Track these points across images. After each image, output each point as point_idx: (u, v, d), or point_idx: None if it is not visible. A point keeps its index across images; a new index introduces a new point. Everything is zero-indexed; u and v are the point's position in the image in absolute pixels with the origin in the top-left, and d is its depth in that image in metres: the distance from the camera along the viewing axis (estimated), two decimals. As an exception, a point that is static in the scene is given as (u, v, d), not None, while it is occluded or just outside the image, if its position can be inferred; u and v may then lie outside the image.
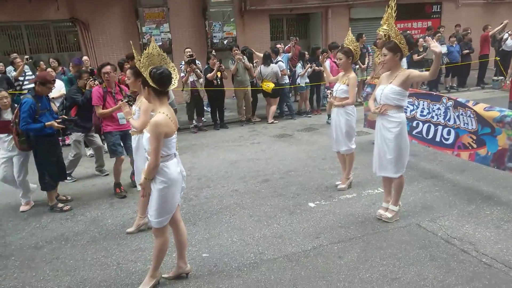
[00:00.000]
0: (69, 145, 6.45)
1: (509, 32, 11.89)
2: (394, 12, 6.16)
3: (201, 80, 8.72)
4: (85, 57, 8.62)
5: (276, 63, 9.37)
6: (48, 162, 4.83)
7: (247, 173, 5.99)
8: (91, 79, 5.87)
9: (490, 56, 12.38)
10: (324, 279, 3.22)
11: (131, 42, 4.33)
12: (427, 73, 3.78)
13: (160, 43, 10.82)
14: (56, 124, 4.70)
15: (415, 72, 3.90)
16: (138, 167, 4.03)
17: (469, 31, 12.32)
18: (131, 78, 4.02)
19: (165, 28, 10.95)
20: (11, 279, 3.52)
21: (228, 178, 5.80)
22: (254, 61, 9.73)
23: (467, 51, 11.73)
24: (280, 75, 9.25)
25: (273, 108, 9.63)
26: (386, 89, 3.89)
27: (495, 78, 11.85)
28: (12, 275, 3.59)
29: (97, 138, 6.26)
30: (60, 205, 5.00)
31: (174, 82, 2.95)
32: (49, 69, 7.92)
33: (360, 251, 3.61)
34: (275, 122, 9.52)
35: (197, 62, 8.68)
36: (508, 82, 7.97)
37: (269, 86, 9.15)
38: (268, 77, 9.20)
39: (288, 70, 10.02)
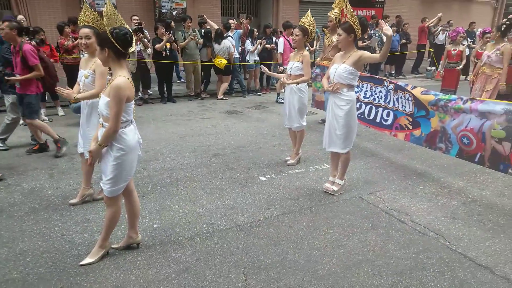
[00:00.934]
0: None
1: (441, 28, 12.84)
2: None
3: (149, 50, 8.40)
4: (20, 16, 7.87)
5: (226, 38, 9.27)
6: None
7: (198, 147, 5.95)
8: (27, 39, 5.41)
9: (426, 47, 13.30)
10: (275, 246, 3.36)
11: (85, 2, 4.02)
12: (377, 54, 3.99)
13: (103, 9, 10.15)
14: None
15: (367, 53, 4.08)
16: (87, 135, 3.83)
17: (408, 24, 13.06)
18: (91, 37, 3.70)
19: (109, -8, 10.28)
20: None
21: (177, 152, 5.73)
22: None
23: (404, 41, 12.47)
24: (232, 50, 9.18)
25: (225, 85, 9.58)
26: (340, 68, 4.05)
27: (429, 68, 12.77)
28: None
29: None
30: None
31: (133, 44, 2.83)
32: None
33: (309, 221, 3.80)
34: (224, 98, 9.49)
35: (145, 31, 8.33)
36: (441, 72, 8.64)
37: (221, 62, 9.06)
38: (221, 53, 9.10)
39: (240, 47, 9.97)
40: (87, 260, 3.07)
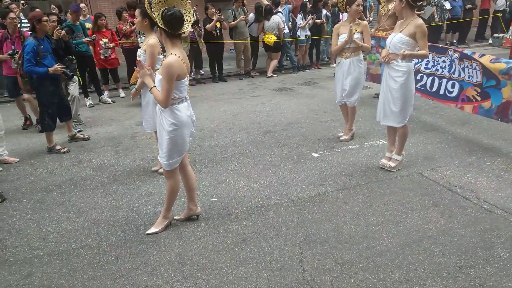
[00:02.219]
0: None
1: None
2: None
3: (201, 31, 8.51)
4: (82, 4, 8.30)
5: (276, 13, 9.12)
6: (49, 104, 4.97)
7: (249, 124, 6.00)
8: (58, 27, 5.63)
9: (490, 12, 12.18)
10: (331, 221, 3.33)
11: None
12: (424, 50, 3.80)
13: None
14: (59, 68, 4.79)
15: (423, 29, 3.75)
16: (151, 114, 4.03)
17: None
18: (138, 17, 3.90)
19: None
20: (25, 220, 3.59)
21: (230, 129, 5.81)
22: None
23: (469, 6, 11.51)
24: (282, 26, 9.03)
25: (274, 62, 9.49)
26: (395, 38, 3.85)
27: (496, 35, 11.72)
28: (25, 216, 3.66)
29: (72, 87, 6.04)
30: (58, 147, 5.15)
31: (187, 26, 2.87)
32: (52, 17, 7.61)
33: (365, 197, 3.71)
34: (274, 76, 9.42)
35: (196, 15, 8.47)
36: (510, 37, 7.91)
37: (270, 39, 8.96)
38: (270, 30, 8.99)
39: (290, 22, 9.77)
40: (152, 229, 3.26)
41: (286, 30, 9.40)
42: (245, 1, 9.32)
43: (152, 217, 3.48)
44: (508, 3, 11.73)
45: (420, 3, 3.79)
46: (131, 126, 6.22)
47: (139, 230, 3.32)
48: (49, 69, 4.73)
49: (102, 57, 7.46)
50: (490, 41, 11.92)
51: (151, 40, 3.90)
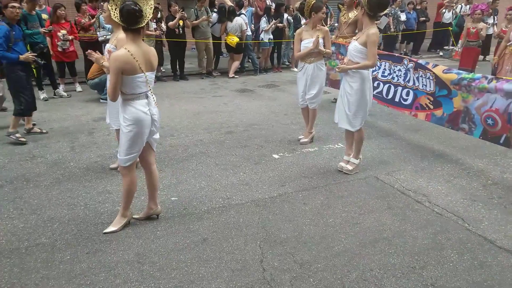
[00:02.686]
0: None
1: (447, 4, 12.47)
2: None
3: (163, 27, 8.35)
4: None
5: (239, 15, 9.14)
6: (23, 89, 4.91)
7: (211, 124, 5.96)
8: None
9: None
10: (290, 222, 3.38)
11: None
12: (368, 61, 3.93)
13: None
14: (30, 56, 4.79)
15: (373, 39, 3.85)
16: (115, 110, 3.92)
17: (426, 1, 12.68)
18: (107, 12, 3.78)
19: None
20: (-33, 218, 3.34)
21: (191, 129, 5.74)
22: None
23: (423, 18, 12.14)
24: (245, 27, 9.07)
25: (236, 63, 9.50)
26: (351, 45, 4.00)
27: (447, 47, 12.45)
28: (-32, 213, 3.41)
29: None
30: (18, 135, 4.97)
31: (142, 22, 2.76)
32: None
33: (323, 199, 3.80)
34: (235, 77, 9.43)
35: (161, 11, 8.31)
36: (459, 51, 8.45)
37: (233, 40, 8.96)
38: (233, 31, 8.99)
39: (252, 25, 9.83)
40: (110, 228, 3.16)
41: (249, 33, 9.44)
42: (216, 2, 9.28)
43: (110, 215, 3.36)
44: (453, 16, 12.49)
45: (378, 14, 3.91)
46: (88, 121, 5.98)
47: (96, 228, 3.20)
48: (20, 56, 4.70)
49: (59, 49, 7.12)
50: (441, 53, 12.65)
51: (121, 34, 3.76)
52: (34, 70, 6.88)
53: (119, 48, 3.66)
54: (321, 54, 4.94)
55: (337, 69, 4.19)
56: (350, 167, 4.37)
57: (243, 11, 9.39)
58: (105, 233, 3.12)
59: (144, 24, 2.82)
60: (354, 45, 3.98)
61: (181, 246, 3.00)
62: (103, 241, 3.04)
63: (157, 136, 3.16)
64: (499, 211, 3.65)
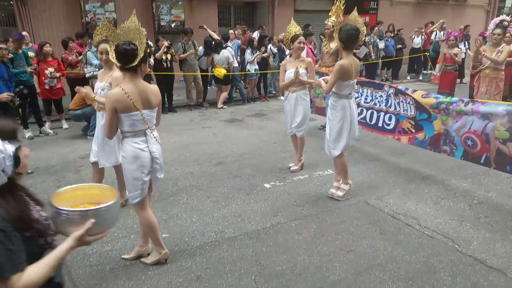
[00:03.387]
0: None
1: (416, 30, 13.03)
2: (343, 5, 6.49)
3: (151, 61, 8.48)
4: (24, 33, 7.97)
5: (225, 48, 9.35)
6: None
7: (201, 156, 5.97)
8: None
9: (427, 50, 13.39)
10: (284, 253, 3.37)
11: (105, 20, 4.07)
12: (326, 85, 4.13)
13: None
14: (6, 96, 4.95)
15: (335, 68, 4.04)
16: (104, 145, 3.98)
17: (402, 29, 13.15)
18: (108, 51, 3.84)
19: (110, 7, 10.38)
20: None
21: (181, 161, 5.74)
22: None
23: (400, 46, 12.60)
24: (231, 60, 9.25)
25: (224, 94, 9.63)
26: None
27: (425, 72, 12.87)
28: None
29: None
30: None
31: (135, 61, 2.80)
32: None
33: (316, 227, 3.81)
34: (224, 107, 9.53)
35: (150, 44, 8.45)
36: (437, 74, 8.77)
37: (220, 72, 9.13)
38: (220, 63, 9.18)
39: (238, 56, 10.05)
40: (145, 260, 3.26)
41: (236, 64, 9.64)
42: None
43: (99, 257, 3.30)
44: (422, 42, 12.98)
45: (351, 46, 4.08)
46: (74, 159, 5.93)
47: (85, 271, 3.13)
48: None
49: (47, 87, 7.12)
50: (420, 77, 13.05)
51: (116, 72, 3.83)
52: (19, 109, 6.89)
53: (114, 86, 3.74)
54: (303, 84, 5.06)
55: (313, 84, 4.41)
56: (340, 193, 4.42)
57: (229, 43, 9.61)
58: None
59: (136, 63, 2.83)
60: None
61: (173, 286, 2.95)
62: (91, 285, 2.96)
63: (160, 175, 3.11)
64: (487, 230, 3.71)
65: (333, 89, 4.15)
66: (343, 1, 6.40)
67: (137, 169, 2.93)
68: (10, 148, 1.43)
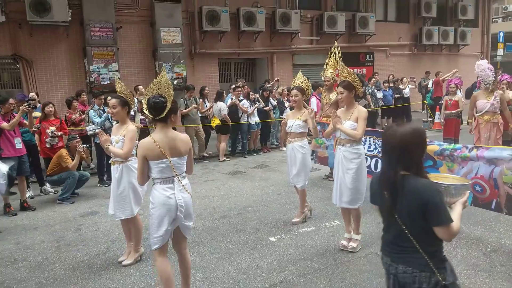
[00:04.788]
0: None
1: (410, 80, 13.38)
2: (340, 58, 6.70)
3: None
4: (32, 94, 8.26)
5: (240, 101, 9.60)
6: None
7: (204, 210, 5.86)
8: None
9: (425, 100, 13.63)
10: (294, 312, 3.17)
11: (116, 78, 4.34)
12: (359, 131, 4.12)
13: (108, 82, 10.59)
14: None
15: (363, 116, 4.13)
16: (119, 197, 4.03)
17: (399, 79, 13.46)
18: (117, 107, 3.99)
19: (113, 67, 10.78)
20: None
21: (184, 216, 5.62)
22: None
23: (398, 95, 12.84)
24: (225, 112, 9.38)
25: (223, 145, 9.70)
26: (346, 124, 4.13)
27: (425, 119, 13.01)
28: None
29: None
30: None
31: (164, 112, 3.00)
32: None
33: (326, 283, 3.63)
34: (226, 160, 9.54)
35: None
36: (441, 121, 8.93)
37: (214, 121, 9.38)
38: (215, 114, 9.45)
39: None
40: None
41: (245, 118, 9.80)
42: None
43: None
44: (409, 91, 13.28)
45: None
46: (75, 217, 5.82)
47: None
48: None
49: (48, 145, 7.17)
50: (422, 125, 13.17)
51: (131, 126, 4.09)
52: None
53: (128, 138, 3.94)
54: (300, 135, 5.02)
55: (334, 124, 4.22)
56: (354, 244, 4.27)
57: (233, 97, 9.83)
58: None
59: (165, 114, 3.01)
60: (351, 124, 4.13)
61: None
62: None
63: (188, 223, 3.20)
64: (504, 279, 3.53)
65: (354, 136, 4.11)
66: (339, 54, 6.61)
67: (162, 215, 3.04)
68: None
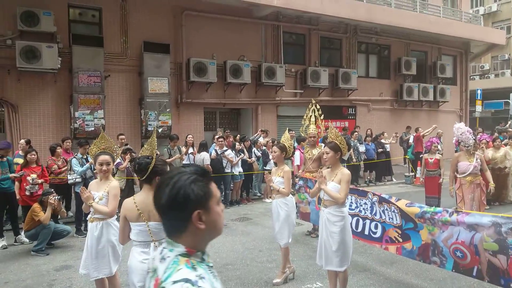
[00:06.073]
0: None
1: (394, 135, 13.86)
2: (320, 115, 6.87)
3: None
4: (22, 141, 8.27)
5: (225, 151, 9.67)
6: None
7: (183, 267, 5.68)
8: None
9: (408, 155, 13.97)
10: None
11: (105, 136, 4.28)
12: (340, 196, 4.18)
13: (93, 128, 10.58)
14: None
15: (346, 179, 4.22)
16: (100, 254, 3.88)
17: (382, 134, 13.84)
18: (110, 163, 3.99)
19: (99, 114, 10.82)
20: None
21: (162, 274, 5.43)
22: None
23: (381, 149, 13.14)
24: (207, 162, 9.39)
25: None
26: (329, 185, 4.19)
27: (407, 174, 13.24)
28: None
29: None
30: None
31: (146, 174, 3.04)
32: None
33: None
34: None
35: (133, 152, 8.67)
36: (421, 179, 9.07)
37: None
38: (198, 162, 9.42)
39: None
40: None
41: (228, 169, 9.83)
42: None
43: None
44: (414, 144, 13.66)
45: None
46: (48, 271, 5.56)
47: None
48: None
49: (27, 193, 6.99)
50: (404, 180, 13.37)
51: (114, 182, 4.02)
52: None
53: (111, 195, 3.87)
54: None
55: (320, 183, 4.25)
56: (339, 311, 4.16)
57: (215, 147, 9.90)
58: None
59: (147, 175, 3.02)
60: (334, 186, 4.20)
61: None
62: None
63: None
64: None
65: (336, 200, 4.15)
66: (319, 111, 6.80)
67: (136, 280, 2.97)
68: None
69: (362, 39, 16.90)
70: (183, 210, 1.42)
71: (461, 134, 6.72)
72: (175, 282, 1.32)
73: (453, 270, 4.37)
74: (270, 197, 5.48)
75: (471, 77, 24.62)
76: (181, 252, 1.42)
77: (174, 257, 1.41)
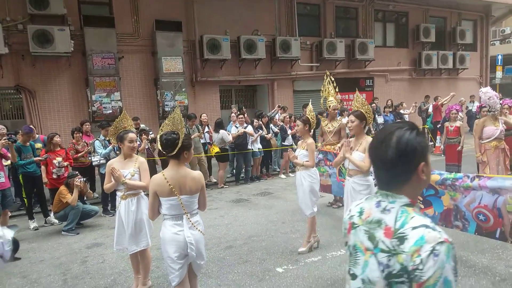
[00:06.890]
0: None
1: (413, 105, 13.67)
2: (334, 87, 6.77)
3: (155, 146, 8.74)
4: (31, 126, 8.36)
5: (245, 127, 9.75)
6: None
7: (209, 240, 5.83)
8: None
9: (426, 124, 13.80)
10: None
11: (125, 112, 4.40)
12: (367, 162, 4.17)
13: (110, 111, 10.74)
14: None
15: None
16: (134, 229, 4.07)
17: (401, 104, 13.68)
18: (137, 141, 4.18)
19: (116, 96, 10.93)
20: None
21: (189, 247, 5.61)
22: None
23: (399, 120, 12.99)
24: (227, 140, 9.48)
25: (221, 173, 9.78)
26: (353, 155, 4.20)
27: (426, 143, 13.09)
28: None
29: None
30: None
31: (175, 149, 3.03)
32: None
33: (335, 315, 3.61)
34: (225, 186, 9.60)
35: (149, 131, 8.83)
36: (441, 147, 8.99)
37: (213, 149, 9.51)
38: (217, 142, 9.52)
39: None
40: None
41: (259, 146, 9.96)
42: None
43: None
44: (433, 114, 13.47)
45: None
46: (80, 249, 5.81)
47: None
48: None
49: (54, 176, 7.22)
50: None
51: (140, 157, 4.25)
52: (25, 200, 6.94)
53: (142, 169, 4.09)
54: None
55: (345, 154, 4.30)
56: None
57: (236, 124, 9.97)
58: None
59: (176, 151, 3.03)
60: (358, 155, 4.24)
61: None
62: None
63: (199, 261, 3.22)
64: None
65: (361, 168, 4.19)
66: (333, 83, 6.71)
67: (172, 252, 3.06)
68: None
69: (379, 6, 16.38)
70: (411, 163, 1.49)
71: (488, 99, 6.62)
72: (414, 228, 1.42)
73: (476, 233, 4.37)
74: (285, 173, 5.55)
75: (492, 42, 23.72)
76: (405, 202, 1.50)
77: (400, 208, 1.49)
